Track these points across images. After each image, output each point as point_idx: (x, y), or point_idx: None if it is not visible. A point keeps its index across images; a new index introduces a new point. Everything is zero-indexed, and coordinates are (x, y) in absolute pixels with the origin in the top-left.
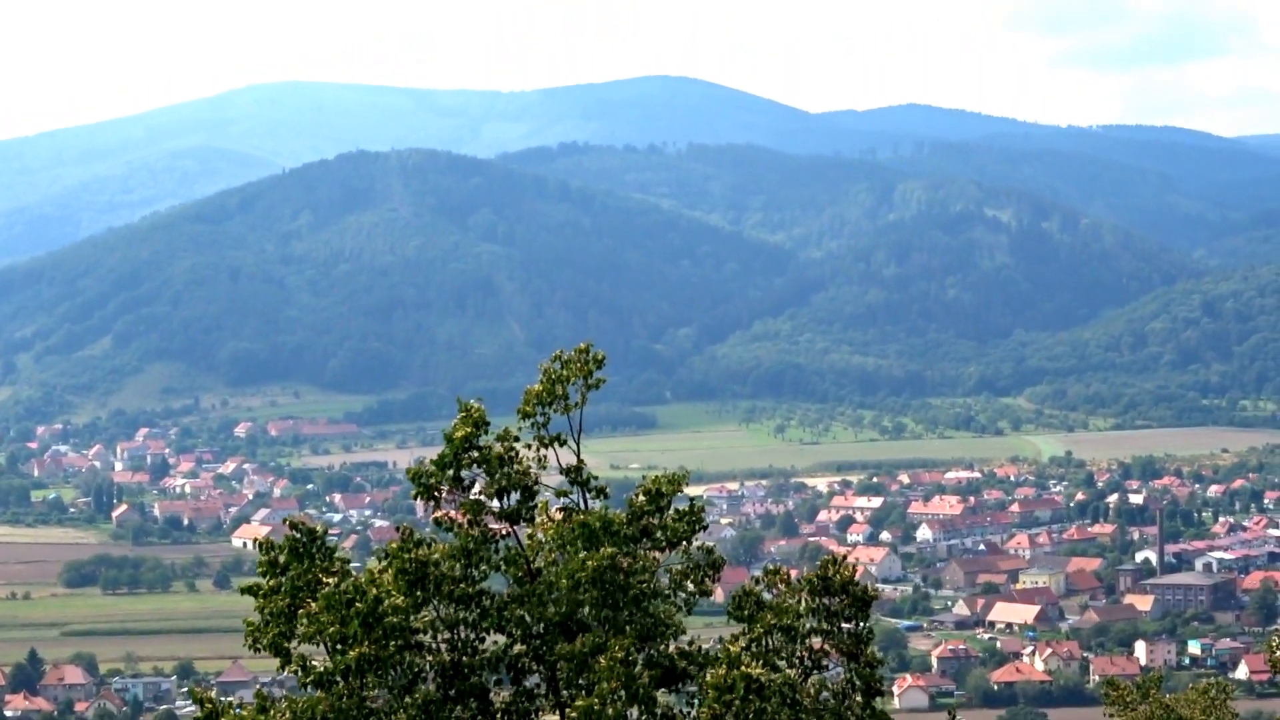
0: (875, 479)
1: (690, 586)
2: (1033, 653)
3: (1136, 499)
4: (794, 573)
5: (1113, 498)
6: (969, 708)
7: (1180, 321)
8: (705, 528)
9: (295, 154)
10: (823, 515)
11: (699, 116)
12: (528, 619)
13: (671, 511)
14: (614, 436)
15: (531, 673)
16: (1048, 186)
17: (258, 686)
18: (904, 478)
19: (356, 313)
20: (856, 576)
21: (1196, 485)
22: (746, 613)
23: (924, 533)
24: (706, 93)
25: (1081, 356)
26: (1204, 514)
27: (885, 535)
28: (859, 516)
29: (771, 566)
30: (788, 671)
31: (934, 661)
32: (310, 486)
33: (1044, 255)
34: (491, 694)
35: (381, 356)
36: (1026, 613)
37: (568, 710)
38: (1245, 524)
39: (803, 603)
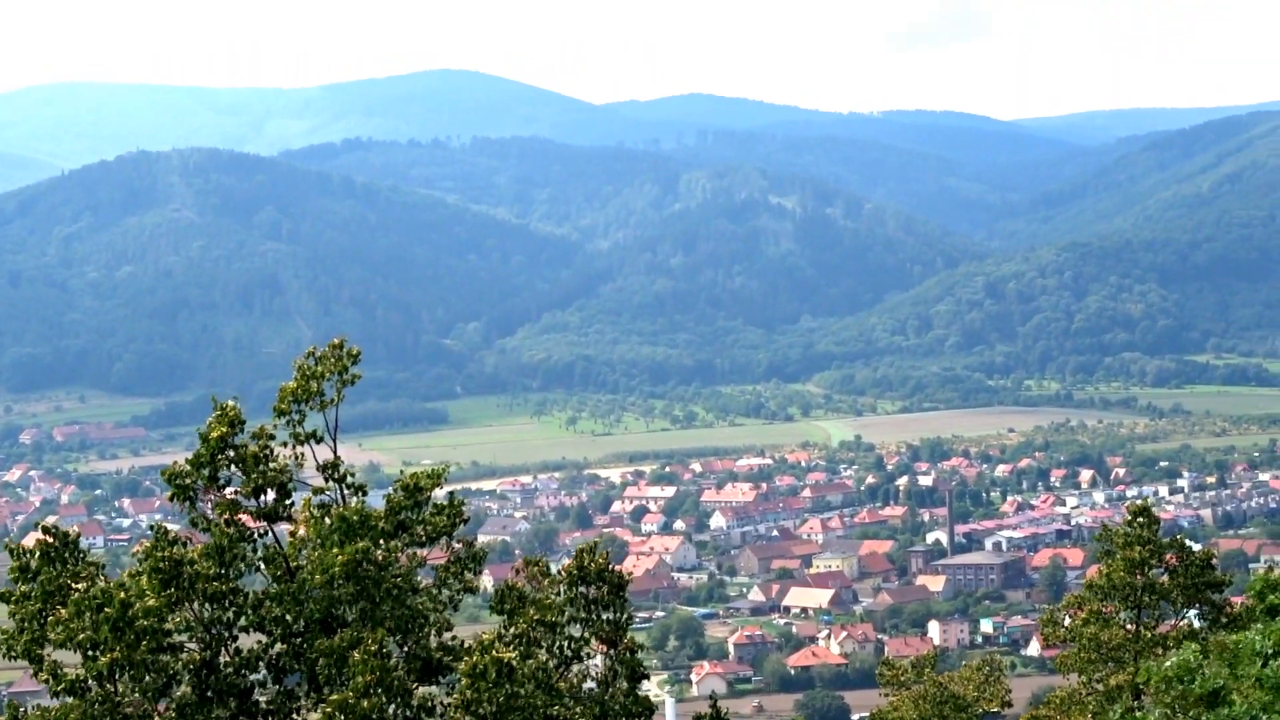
0: (668, 468)
1: (455, 585)
2: (828, 636)
3: (926, 481)
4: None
5: (902, 480)
6: (767, 693)
7: (964, 304)
8: (465, 522)
9: (74, 155)
10: (616, 506)
11: (482, 110)
12: (287, 617)
13: (430, 507)
14: (405, 433)
15: (293, 671)
16: (831, 173)
17: (7, 697)
18: (696, 466)
19: (141, 315)
20: (611, 565)
21: (984, 465)
22: (508, 607)
23: (717, 520)
24: (489, 86)
25: (868, 341)
26: (992, 494)
27: (679, 524)
28: (653, 506)
29: (529, 557)
30: (542, 657)
31: (731, 648)
32: (99, 492)
33: (828, 241)
34: (255, 694)
35: (168, 358)
36: (821, 597)
37: (323, 705)
38: (1033, 502)
39: (561, 593)
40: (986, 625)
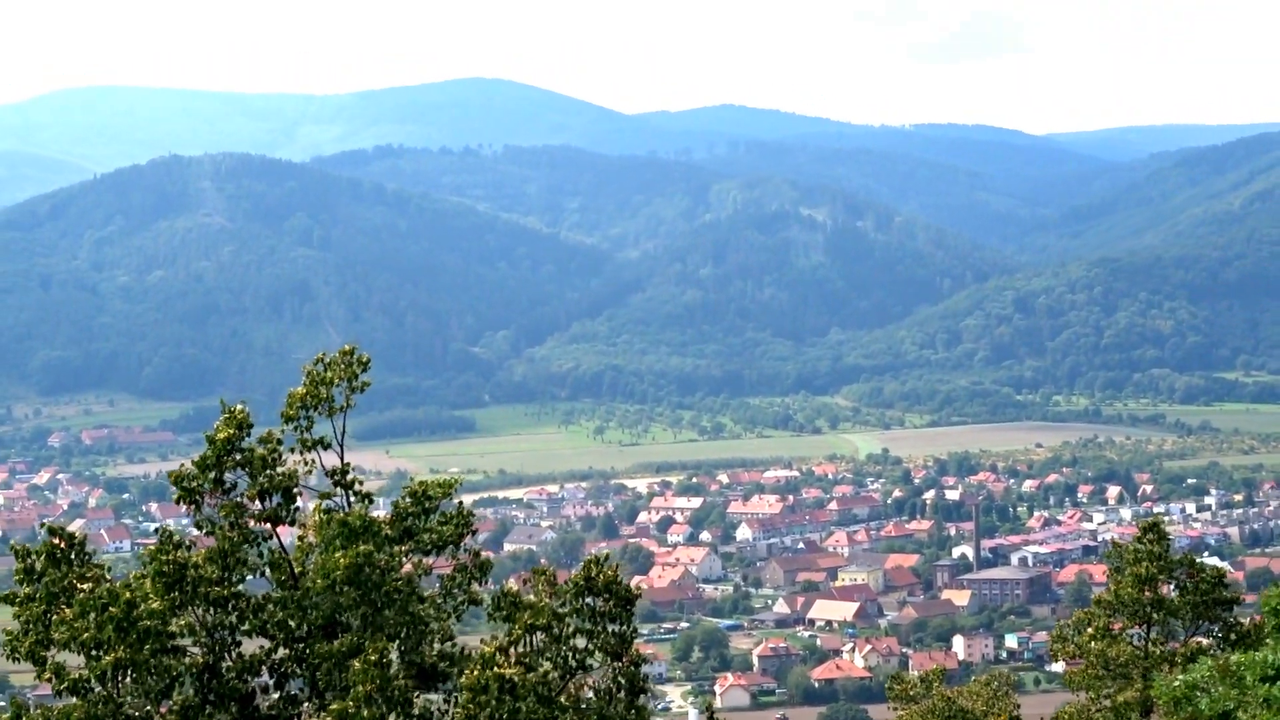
0: (694, 479)
1: (459, 595)
2: (852, 649)
3: (953, 495)
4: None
5: (929, 494)
6: (790, 705)
7: (993, 318)
8: (474, 532)
9: (106, 159)
10: (643, 516)
11: (514, 118)
12: (290, 622)
13: (438, 515)
14: (433, 441)
15: (295, 676)
16: (861, 186)
17: (28, 698)
18: (723, 477)
19: (171, 319)
20: (620, 576)
21: (1011, 480)
22: (505, 613)
23: (744, 532)
24: (521, 94)
25: (897, 354)
26: (1019, 509)
27: (705, 535)
28: (679, 517)
29: (536, 567)
30: (546, 668)
31: (755, 660)
32: (126, 496)
33: (859, 254)
34: (257, 698)
35: (197, 363)
36: (846, 610)
37: (324, 714)
38: (1060, 518)
39: (566, 603)
40: (1011, 640)
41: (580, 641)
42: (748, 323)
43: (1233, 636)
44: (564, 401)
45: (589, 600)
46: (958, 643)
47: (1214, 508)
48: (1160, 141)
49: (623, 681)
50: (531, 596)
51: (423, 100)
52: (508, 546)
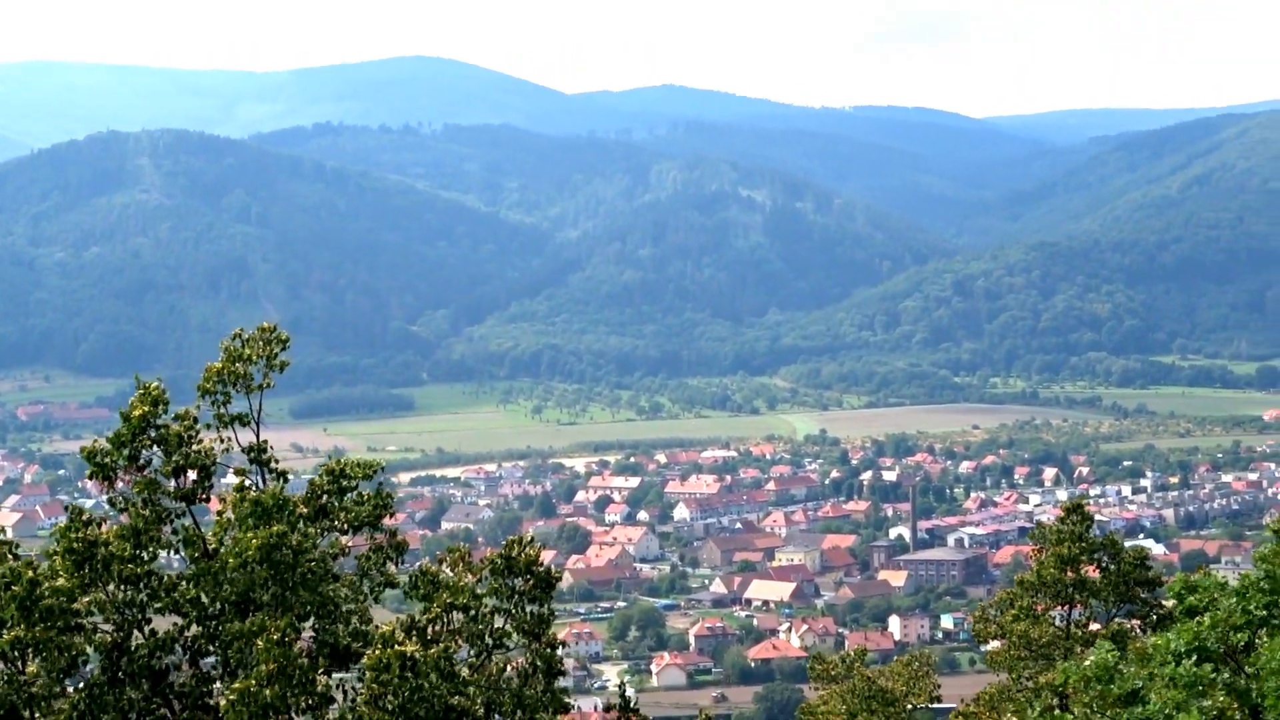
0: (632, 459)
1: (376, 575)
2: (789, 629)
3: (890, 476)
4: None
5: (866, 475)
6: (727, 684)
7: (932, 300)
8: (391, 514)
9: (44, 135)
10: (580, 495)
11: (454, 97)
12: (204, 599)
13: (354, 494)
14: (371, 419)
15: (209, 654)
16: (801, 167)
17: None
18: (661, 457)
19: (108, 295)
20: (541, 557)
21: (948, 462)
22: (423, 592)
23: (681, 512)
24: (462, 73)
25: (835, 336)
26: (956, 490)
27: (643, 515)
28: (616, 496)
29: (452, 546)
30: (450, 645)
31: (692, 640)
32: (62, 472)
33: (798, 235)
34: (170, 676)
35: (134, 339)
36: (782, 590)
37: (226, 693)
38: (996, 499)
39: (484, 583)
40: (947, 621)
41: (498, 621)
42: (686, 303)
43: (1154, 618)
44: (502, 380)
45: (509, 580)
46: (894, 623)
47: (1149, 490)
48: (1099, 126)
49: (540, 663)
50: (449, 573)
51: (363, 78)
52: (445, 525)
